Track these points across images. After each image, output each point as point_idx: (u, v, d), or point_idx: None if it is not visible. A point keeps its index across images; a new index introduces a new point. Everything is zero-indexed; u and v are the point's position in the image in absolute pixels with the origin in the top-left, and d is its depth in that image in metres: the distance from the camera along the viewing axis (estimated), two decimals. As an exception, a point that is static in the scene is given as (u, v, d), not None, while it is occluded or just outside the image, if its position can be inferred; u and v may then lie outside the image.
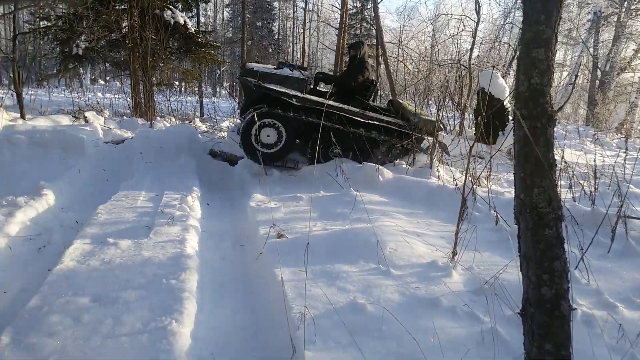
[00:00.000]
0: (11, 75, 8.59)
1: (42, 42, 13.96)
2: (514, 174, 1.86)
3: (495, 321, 2.48)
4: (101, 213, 4.45)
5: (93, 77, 24.79)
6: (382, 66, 11.79)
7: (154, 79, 11.88)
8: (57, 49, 11.86)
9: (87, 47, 11.36)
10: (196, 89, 16.18)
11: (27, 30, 12.73)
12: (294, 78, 6.42)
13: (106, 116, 9.85)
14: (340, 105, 6.27)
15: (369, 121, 6.31)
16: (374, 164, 6.05)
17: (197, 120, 10.91)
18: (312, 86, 6.99)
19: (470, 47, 11.13)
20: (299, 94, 6.08)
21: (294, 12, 35.49)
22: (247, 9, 22.86)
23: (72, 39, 11.28)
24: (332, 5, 23.02)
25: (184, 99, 14.46)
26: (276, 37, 35.96)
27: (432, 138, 6.73)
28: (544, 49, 1.76)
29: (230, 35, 35.85)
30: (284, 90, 5.97)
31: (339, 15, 14.33)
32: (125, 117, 10.12)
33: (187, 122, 9.86)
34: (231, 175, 6.51)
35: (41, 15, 11.84)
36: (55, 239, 4.07)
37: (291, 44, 36.89)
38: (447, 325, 2.58)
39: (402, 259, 3.42)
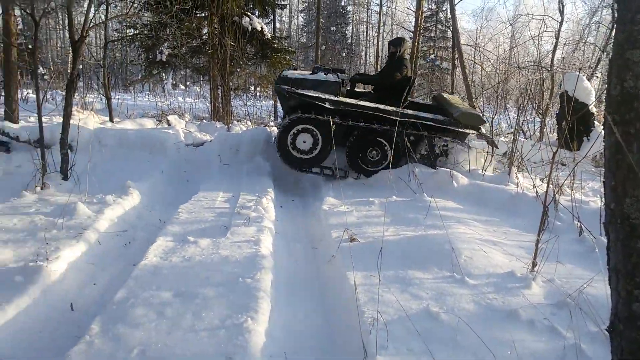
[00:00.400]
0: (101, 80, 9.21)
1: (129, 49, 14.86)
2: (603, 182, 1.76)
3: (579, 337, 2.35)
4: (182, 212, 4.67)
5: (174, 82, 26.02)
6: (458, 69, 11.53)
7: (231, 84, 12.29)
8: (143, 55, 12.57)
9: (169, 54, 11.96)
10: (271, 93, 16.57)
11: (116, 38, 13.59)
12: (328, 82, 6.26)
13: (187, 120, 10.31)
14: (375, 105, 6.17)
15: (406, 119, 6.08)
16: (448, 169, 5.92)
17: (272, 123, 11.17)
18: (348, 88, 6.86)
19: (552, 48, 10.63)
20: (333, 97, 6.07)
21: (367, 16, 35.50)
22: (321, 14, 23.14)
23: (157, 46, 11.93)
24: (407, 8, 22.76)
25: (260, 103, 14.86)
26: (349, 41, 36.11)
27: (481, 136, 6.53)
28: (638, 50, 1.66)
29: (305, 40, 36.40)
30: (316, 95, 6.01)
31: (414, 18, 14.17)
32: (204, 121, 10.55)
33: (262, 125, 10.12)
34: (304, 178, 6.59)
35: (129, 24, 12.61)
36: (139, 236, 4.31)
37: (364, 48, 36.92)
38: (525, 339, 2.49)
39: (478, 268, 3.33)
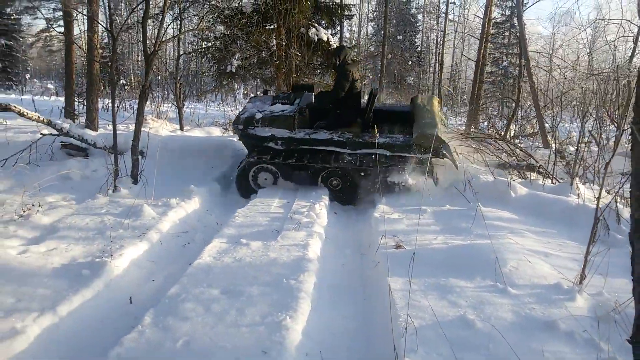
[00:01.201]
0: (174, 91, 9.78)
1: (202, 61, 15.59)
2: (629, 191, 1.74)
3: (615, 350, 2.28)
4: (238, 216, 4.90)
5: (246, 92, 26.91)
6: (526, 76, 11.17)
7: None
8: (214, 67, 13.16)
9: (239, 65, 12.42)
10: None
11: (189, 51, 14.33)
12: (282, 116, 6.29)
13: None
14: (326, 136, 6.18)
15: (357, 150, 6.10)
16: (505, 179, 5.80)
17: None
18: (305, 114, 6.57)
19: (630, 53, 10.08)
20: (286, 133, 6.21)
21: (437, 24, 35.08)
22: (389, 23, 23.15)
23: (227, 58, 12.44)
24: (475, 15, 22.28)
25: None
26: (418, 49, 35.79)
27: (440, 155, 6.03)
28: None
29: (373, 48, 36.48)
30: (267, 134, 6.21)
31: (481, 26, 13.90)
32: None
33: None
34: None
35: (202, 37, 13.25)
36: (198, 237, 4.57)
37: (434, 56, 36.46)
38: (561, 350, 2.44)
39: (522, 278, 3.27)
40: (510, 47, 26.45)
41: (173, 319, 2.79)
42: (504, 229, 4.42)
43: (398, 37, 32.24)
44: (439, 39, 34.02)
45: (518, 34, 11.50)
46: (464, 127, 11.86)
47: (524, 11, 10.87)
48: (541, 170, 6.63)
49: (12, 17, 30.88)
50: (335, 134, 6.22)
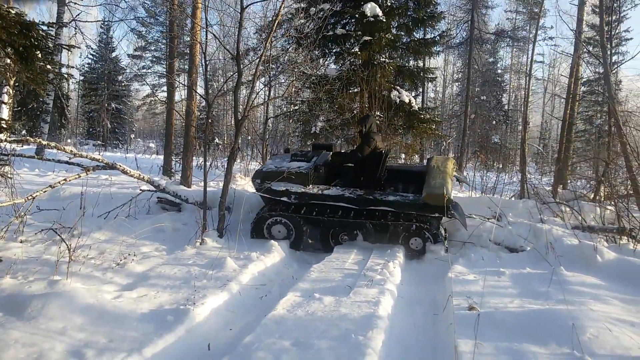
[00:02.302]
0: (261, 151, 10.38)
1: (290, 122, 16.42)
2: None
3: None
4: (314, 271, 5.07)
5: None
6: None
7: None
8: (299, 128, 13.81)
9: (322, 127, 12.95)
10: (418, 159, 16.83)
11: (277, 115, 15.19)
12: (297, 173, 6.55)
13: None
14: (338, 193, 6.45)
15: (367, 207, 6.32)
16: (591, 243, 5.53)
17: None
18: (321, 172, 6.80)
19: None
20: (300, 188, 6.49)
21: (526, 83, 34.47)
22: (473, 84, 23.17)
23: (312, 120, 13.04)
24: (561, 75, 21.72)
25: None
26: (505, 107, 35.20)
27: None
28: None
29: (457, 108, 36.38)
30: (281, 189, 6.51)
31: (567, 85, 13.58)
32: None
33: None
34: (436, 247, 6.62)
35: (290, 101, 14.05)
36: (274, 290, 4.77)
37: (522, 114, 35.60)
38: None
39: (603, 348, 3.11)
40: (604, 104, 25.30)
41: (245, 366, 2.95)
42: (586, 295, 4.21)
43: (482, 97, 31.98)
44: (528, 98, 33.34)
45: (607, 93, 11.13)
46: (550, 188, 11.44)
47: (617, 68, 10.54)
48: (634, 233, 6.25)
49: (122, 84, 34.41)
50: (347, 191, 6.51)
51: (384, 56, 12.45)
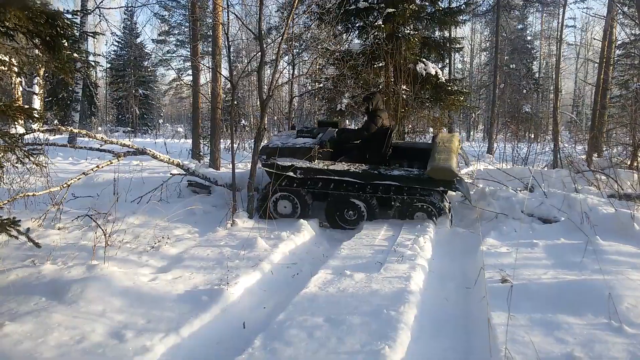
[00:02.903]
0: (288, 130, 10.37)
1: (314, 100, 16.34)
2: None
3: None
4: (344, 249, 5.09)
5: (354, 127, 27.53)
6: None
7: (408, 127, 12.70)
8: (325, 106, 13.74)
9: (348, 103, 12.85)
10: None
11: (301, 93, 15.12)
12: (303, 148, 6.56)
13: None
14: (345, 168, 6.49)
15: (373, 181, 6.39)
16: (628, 211, 5.38)
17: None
18: (325, 149, 6.79)
19: None
20: (305, 164, 6.47)
21: (557, 49, 33.38)
22: (501, 53, 22.54)
23: (337, 97, 12.94)
24: (593, 38, 20.91)
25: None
26: (537, 75, 34.23)
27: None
28: None
29: (486, 78, 35.56)
30: (287, 164, 6.48)
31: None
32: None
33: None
34: (468, 219, 6.56)
35: (314, 79, 13.95)
36: (305, 268, 4.81)
37: (553, 81, 34.59)
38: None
39: (642, 317, 3.05)
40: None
41: (279, 343, 3.00)
42: (623, 264, 4.11)
43: (511, 66, 31.13)
44: (560, 64, 32.34)
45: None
46: (584, 156, 11.13)
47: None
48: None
49: (149, 69, 34.78)
50: (352, 166, 6.55)
51: (408, 28, 12.20)
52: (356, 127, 7.22)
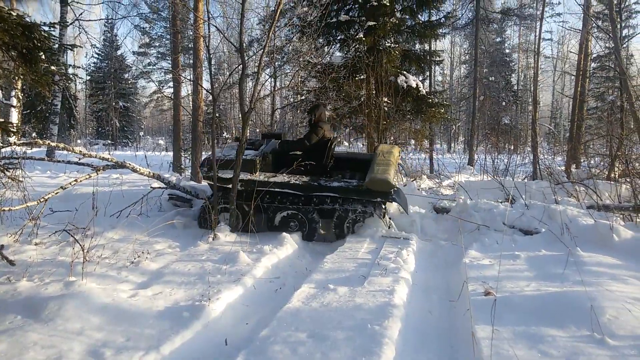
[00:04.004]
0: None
1: (297, 113, 16.38)
2: None
3: None
4: (327, 262, 5.05)
5: (339, 140, 27.61)
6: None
7: (389, 140, 12.74)
8: (306, 118, 13.75)
9: (330, 116, 12.87)
10: (427, 146, 16.72)
11: (283, 106, 15.16)
12: (245, 160, 6.52)
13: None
14: (284, 179, 6.57)
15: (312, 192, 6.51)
16: (607, 222, 5.46)
17: (424, 176, 11.27)
18: (268, 159, 6.95)
19: None
20: (247, 175, 6.53)
21: (535, 61, 34.02)
22: (482, 65, 22.90)
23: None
24: (569, 51, 21.37)
25: (417, 156, 15.07)
26: (515, 87, 34.82)
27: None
28: None
29: (466, 90, 36.05)
30: (227, 177, 6.45)
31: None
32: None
33: (411, 179, 10.29)
34: (450, 232, 6.58)
35: (295, 91, 13.98)
36: (289, 282, 4.76)
37: (531, 94, 35.24)
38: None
39: (623, 329, 3.07)
40: (616, 80, 24.90)
41: (262, 359, 2.95)
42: (604, 275, 4.16)
43: (491, 78, 31.62)
44: (538, 77, 32.94)
45: (618, 68, 10.93)
46: (563, 167, 11.31)
47: (628, 42, 10.33)
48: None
49: (129, 82, 34.53)
50: (293, 178, 6.61)
51: (389, 41, 12.31)
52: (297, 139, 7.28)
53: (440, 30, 13.84)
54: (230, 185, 6.46)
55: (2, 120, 4.22)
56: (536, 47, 15.60)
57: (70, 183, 6.31)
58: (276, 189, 6.57)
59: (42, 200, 5.83)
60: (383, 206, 6.69)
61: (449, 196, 7.84)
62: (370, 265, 4.86)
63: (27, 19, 4.01)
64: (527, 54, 36.98)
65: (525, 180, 9.91)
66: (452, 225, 6.70)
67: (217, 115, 6.77)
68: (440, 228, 6.72)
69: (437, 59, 15.22)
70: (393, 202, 6.52)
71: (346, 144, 29.93)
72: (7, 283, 4.26)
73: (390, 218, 6.73)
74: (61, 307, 3.70)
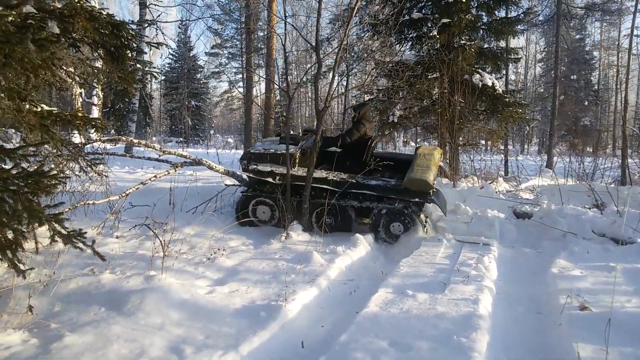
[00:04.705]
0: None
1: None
2: None
3: None
4: (403, 266, 4.88)
5: (405, 139, 27.16)
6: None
7: (460, 140, 12.33)
8: (377, 117, 13.56)
9: (401, 115, 12.62)
10: (501, 147, 16.03)
11: (354, 105, 14.96)
12: (283, 154, 6.46)
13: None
14: (323, 175, 6.52)
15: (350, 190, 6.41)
16: None
17: (501, 179, 10.77)
18: (307, 154, 6.64)
19: None
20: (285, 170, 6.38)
21: (617, 59, 31.98)
22: (561, 62, 21.73)
23: (390, 109, 12.74)
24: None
25: (489, 158, 14.50)
26: (595, 87, 32.88)
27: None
28: None
29: (542, 90, 34.44)
30: (267, 170, 6.52)
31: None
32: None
33: (488, 181, 9.86)
34: (532, 238, 6.21)
35: (366, 90, 13.80)
36: (363, 285, 4.63)
37: (614, 94, 33.17)
38: None
39: None
40: None
41: (343, 367, 2.84)
42: None
43: (571, 77, 30.00)
44: (620, 75, 30.91)
45: None
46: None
47: None
48: None
49: (201, 82, 35.65)
50: (332, 174, 6.57)
51: (464, 38, 11.90)
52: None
53: (519, 27, 13.21)
54: (269, 179, 6.53)
55: (91, 116, 4.36)
56: (629, 43, 14.56)
57: (149, 179, 6.50)
58: (314, 185, 6.52)
59: (123, 195, 6.03)
60: (421, 207, 6.58)
61: (531, 200, 7.41)
62: (450, 271, 4.63)
63: (116, 18, 4.12)
64: (608, 51, 34.88)
65: (612, 185, 9.25)
66: (535, 232, 6.33)
67: (290, 116, 6.75)
68: (522, 234, 6.35)
69: (515, 56, 14.58)
70: (432, 203, 6.41)
71: (413, 144, 29.42)
72: (91, 275, 4.40)
73: (427, 219, 6.63)
74: (142, 300, 3.76)
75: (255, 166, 6.65)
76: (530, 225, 6.51)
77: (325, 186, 6.56)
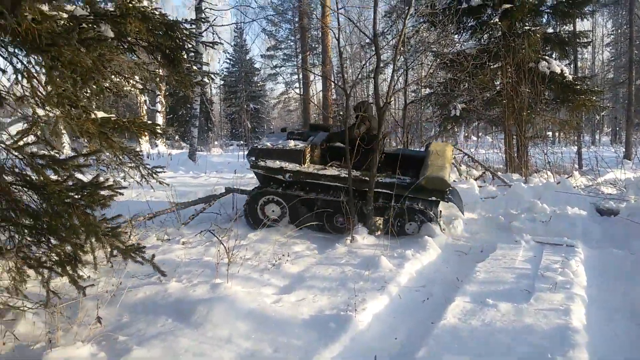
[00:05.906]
0: (400, 139, 9.94)
1: (424, 108, 15.71)
2: None
3: None
4: (479, 271, 4.54)
5: (466, 134, 26.21)
6: None
7: (528, 132, 11.67)
8: (437, 112, 13.09)
9: (463, 108, 12.10)
10: (574, 138, 15.09)
11: (414, 100, 14.56)
12: (292, 150, 6.31)
13: (481, 172, 10.17)
14: (334, 173, 6.22)
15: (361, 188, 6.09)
16: None
17: (576, 173, 10.07)
18: (316, 151, 6.71)
19: None
20: (295, 167, 6.22)
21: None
22: (636, 44, 20.22)
23: (451, 102, 12.25)
24: None
25: (559, 150, 13.67)
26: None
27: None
28: None
29: (612, 76, 32.41)
30: (276, 167, 6.23)
31: None
32: (499, 173, 10.20)
33: (564, 176, 9.22)
34: (620, 237, 5.67)
35: (425, 84, 13.37)
36: (436, 292, 4.33)
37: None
38: None
39: None
40: None
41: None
42: None
43: (643, 59, 27.97)
44: None
45: None
46: None
47: None
48: None
49: (258, 84, 36.11)
50: (344, 172, 6.22)
51: (528, 24, 11.24)
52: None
53: (587, 8, 12.35)
54: (279, 176, 6.30)
55: (149, 122, 4.31)
56: None
57: (202, 209, 6.48)
58: (325, 182, 6.28)
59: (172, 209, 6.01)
60: (437, 206, 6.30)
61: (615, 195, 6.81)
62: (532, 277, 4.25)
63: (169, 18, 4.02)
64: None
65: None
66: (622, 230, 5.79)
67: (344, 112, 6.55)
68: (607, 233, 5.83)
69: (584, 40, 13.68)
70: (448, 202, 6.15)
71: (474, 138, 28.41)
72: (157, 283, 4.35)
73: (442, 219, 6.40)
74: (209, 311, 3.66)
75: (263, 163, 6.45)
76: (616, 223, 5.98)
77: (337, 184, 6.26)
